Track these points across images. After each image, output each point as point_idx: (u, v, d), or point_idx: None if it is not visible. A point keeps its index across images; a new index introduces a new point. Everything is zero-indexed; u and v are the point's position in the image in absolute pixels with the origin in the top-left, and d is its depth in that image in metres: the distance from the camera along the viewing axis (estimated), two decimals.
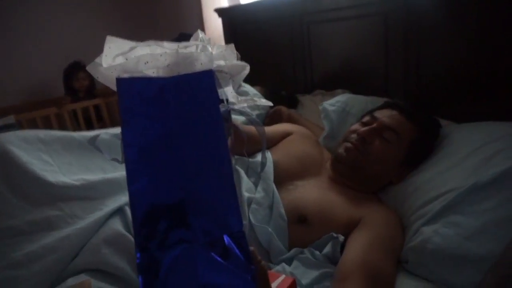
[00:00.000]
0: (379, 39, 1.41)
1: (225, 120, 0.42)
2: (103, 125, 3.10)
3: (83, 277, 0.73)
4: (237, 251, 0.35)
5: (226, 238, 0.35)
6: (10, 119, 2.57)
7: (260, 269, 0.40)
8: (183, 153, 0.37)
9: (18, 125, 2.58)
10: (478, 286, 0.70)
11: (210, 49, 0.43)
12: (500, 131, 0.91)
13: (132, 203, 0.36)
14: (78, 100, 3.04)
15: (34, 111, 2.75)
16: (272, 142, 1.20)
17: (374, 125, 1.03)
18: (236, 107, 0.45)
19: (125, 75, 0.40)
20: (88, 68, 0.42)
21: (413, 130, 1.03)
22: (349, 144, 1.03)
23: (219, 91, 0.43)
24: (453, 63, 1.20)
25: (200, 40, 0.45)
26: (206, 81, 0.39)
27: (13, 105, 3.00)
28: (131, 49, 0.41)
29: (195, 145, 0.37)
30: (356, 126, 1.08)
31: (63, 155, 0.94)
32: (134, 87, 0.39)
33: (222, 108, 0.42)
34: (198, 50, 0.43)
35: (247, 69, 0.46)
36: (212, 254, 0.34)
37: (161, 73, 0.41)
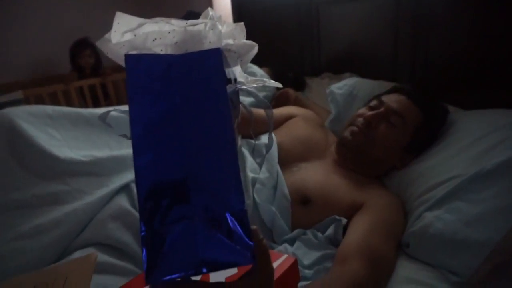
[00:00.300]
0: (389, 23, 1.39)
1: (232, 100, 0.42)
2: (109, 103, 3.11)
3: (90, 251, 0.75)
4: (238, 228, 0.35)
5: (228, 216, 0.35)
6: (19, 94, 2.58)
7: (261, 247, 0.41)
8: (187, 130, 0.37)
9: (26, 101, 2.59)
10: (475, 272, 0.71)
11: (219, 27, 0.43)
12: (506, 119, 0.91)
13: (137, 177, 0.36)
14: (84, 77, 3.04)
15: (41, 87, 2.76)
16: (276, 124, 1.19)
17: (381, 109, 1.02)
18: (244, 87, 0.45)
19: (133, 52, 0.40)
20: (98, 43, 0.41)
21: (420, 115, 1.03)
22: (355, 128, 1.03)
23: (227, 70, 0.43)
24: (462, 50, 1.18)
25: (210, 18, 0.45)
26: (213, 59, 0.39)
27: (21, 81, 3.01)
28: (140, 25, 0.41)
29: (199, 122, 0.37)
30: (363, 110, 1.08)
31: (70, 130, 0.95)
32: (141, 63, 0.39)
33: (230, 88, 0.42)
34: (207, 28, 0.42)
35: (255, 48, 0.45)
36: (213, 230, 0.35)
37: (169, 51, 0.41)
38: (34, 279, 0.59)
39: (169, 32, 0.40)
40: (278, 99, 1.55)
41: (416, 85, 1.29)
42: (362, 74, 1.48)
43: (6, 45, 2.96)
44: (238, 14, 2.22)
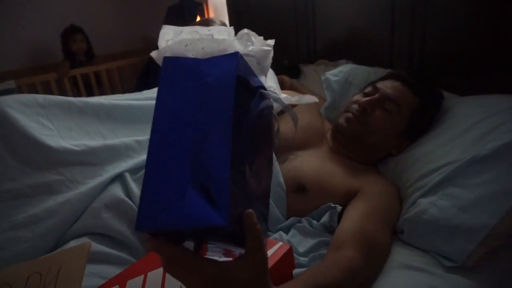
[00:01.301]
0: (385, 9, 1.37)
1: (268, 118, 0.52)
2: (103, 91, 3.08)
3: (84, 240, 0.75)
4: (219, 193, 0.40)
5: (211, 182, 0.41)
6: (11, 83, 2.55)
7: (254, 231, 0.43)
8: (198, 120, 0.44)
9: (18, 90, 2.56)
10: (469, 256, 0.72)
11: (248, 37, 0.50)
12: (502, 104, 0.90)
13: (149, 147, 0.44)
14: (76, 64, 3.00)
15: (33, 76, 2.73)
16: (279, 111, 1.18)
17: (376, 95, 1.02)
18: (267, 92, 0.51)
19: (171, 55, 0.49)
20: (152, 53, 0.49)
21: (415, 101, 1.02)
22: (350, 114, 1.03)
23: (253, 78, 0.49)
24: (459, 36, 1.17)
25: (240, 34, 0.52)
26: (230, 62, 0.46)
27: (13, 70, 2.97)
28: (178, 33, 0.50)
29: (209, 115, 0.44)
30: (357, 97, 1.07)
31: (62, 119, 0.94)
32: (174, 63, 0.47)
33: (266, 106, 0.50)
34: (231, 37, 0.49)
35: (271, 53, 0.50)
36: (199, 193, 0.41)
37: (199, 56, 0.48)
38: (28, 269, 0.59)
39: (198, 40, 0.48)
40: None
41: (412, 71, 1.28)
42: (358, 61, 1.47)
43: None
44: (233, 0, 2.19)
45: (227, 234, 0.44)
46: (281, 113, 1.13)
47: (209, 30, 0.49)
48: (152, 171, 0.43)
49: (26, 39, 3.08)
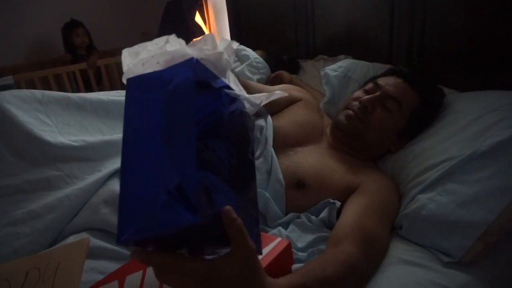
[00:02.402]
0: (384, 3, 1.37)
1: (242, 118, 0.53)
2: (102, 88, 3.08)
3: (84, 235, 0.75)
4: (189, 194, 0.41)
5: (179, 185, 0.41)
6: (9, 79, 2.54)
7: (234, 227, 0.43)
8: (165, 127, 0.46)
9: (17, 86, 2.56)
10: (467, 251, 0.72)
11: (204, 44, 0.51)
12: (501, 100, 0.90)
13: (122, 161, 0.46)
14: (78, 58, 3.01)
15: (32, 72, 2.72)
16: (278, 107, 1.17)
17: (378, 93, 1.01)
18: (238, 93, 0.52)
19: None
20: (122, 79, 0.51)
21: (416, 99, 1.02)
22: (350, 112, 1.02)
23: (214, 80, 0.50)
24: (459, 31, 1.17)
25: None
26: (185, 68, 0.47)
27: (11, 65, 2.96)
28: (135, 55, 0.51)
29: (175, 121, 0.46)
30: (358, 94, 1.07)
31: (61, 115, 0.93)
32: (135, 82, 0.50)
33: (237, 106, 0.52)
34: (184, 46, 0.50)
35: (224, 56, 0.51)
36: (171, 197, 0.41)
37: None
38: (26, 264, 0.59)
39: (152, 56, 0.49)
40: (272, 82, 1.54)
41: (412, 67, 1.28)
42: (357, 56, 1.46)
43: None
44: None
45: (212, 236, 0.44)
46: (277, 111, 1.14)
47: (157, 44, 0.50)
48: (127, 183, 0.44)
49: (25, 35, 3.07)
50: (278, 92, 0.55)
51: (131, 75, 0.50)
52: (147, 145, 0.45)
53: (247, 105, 0.55)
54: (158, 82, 0.48)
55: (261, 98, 0.55)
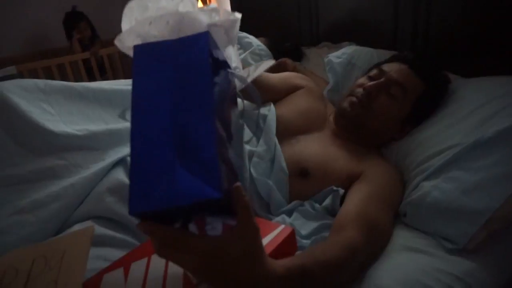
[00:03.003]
0: None
1: (233, 90, 0.51)
2: (106, 78, 3.08)
3: (89, 224, 0.76)
4: (209, 171, 0.41)
5: (199, 160, 0.41)
6: (12, 69, 2.55)
7: (242, 203, 0.44)
8: (175, 100, 0.45)
9: (19, 76, 2.56)
10: (471, 239, 0.72)
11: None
12: (506, 86, 0.89)
13: (131, 133, 0.45)
14: (82, 47, 3.02)
15: (35, 62, 2.72)
16: (280, 93, 1.17)
17: (382, 79, 1.00)
18: (235, 72, 0.52)
19: (138, 39, 0.49)
20: (115, 42, 0.50)
21: (421, 86, 1.01)
22: (354, 99, 1.01)
23: (217, 52, 0.49)
24: (464, 17, 1.15)
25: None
26: (201, 42, 0.46)
27: (14, 56, 2.96)
28: (143, 10, 0.50)
29: (187, 94, 0.45)
30: (362, 80, 1.05)
31: (64, 104, 0.93)
32: (144, 50, 0.48)
33: (220, 73, 0.49)
34: (196, 8, 0.49)
35: (238, 22, 0.50)
36: (188, 170, 0.41)
37: (165, 32, 0.48)
38: (33, 253, 0.60)
39: (161, 15, 0.47)
40: (276, 69, 1.52)
41: (417, 53, 1.26)
42: (361, 43, 1.45)
43: None
44: None
45: (218, 209, 0.44)
46: (279, 99, 1.13)
47: (172, 0, 0.49)
48: (137, 155, 0.43)
49: (27, 25, 3.05)
50: (266, 62, 0.55)
51: (132, 37, 0.49)
52: (158, 116, 0.45)
53: (236, 81, 0.55)
54: (170, 53, 0.47)
55: (249, 70, 0.55)
